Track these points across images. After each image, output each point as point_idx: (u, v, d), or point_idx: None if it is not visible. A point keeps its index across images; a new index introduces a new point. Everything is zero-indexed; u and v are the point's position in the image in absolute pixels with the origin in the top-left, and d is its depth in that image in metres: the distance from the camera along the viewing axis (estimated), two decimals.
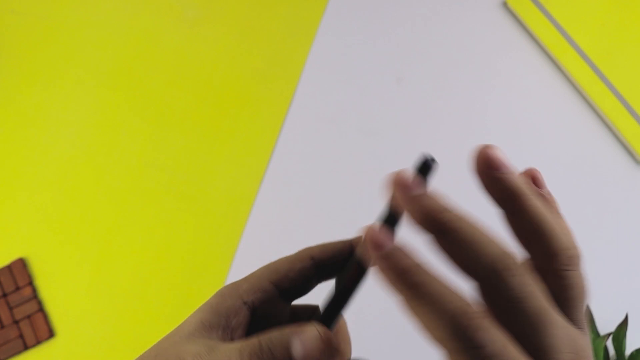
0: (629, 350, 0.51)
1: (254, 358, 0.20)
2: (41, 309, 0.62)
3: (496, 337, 0.16)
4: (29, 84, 0.71)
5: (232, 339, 0.22)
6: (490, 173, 0.18)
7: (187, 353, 0.20)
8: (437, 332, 0.17)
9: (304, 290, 0.25)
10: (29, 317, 0.62)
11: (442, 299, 0.16)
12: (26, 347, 0.61)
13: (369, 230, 0.18)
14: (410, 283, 0.17)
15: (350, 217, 0.61)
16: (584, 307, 0.19)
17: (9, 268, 0.63)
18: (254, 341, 0.21)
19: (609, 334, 0.50)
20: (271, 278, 0.23)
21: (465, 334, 0.16)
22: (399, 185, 0.18)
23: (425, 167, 0.19)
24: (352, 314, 0.28)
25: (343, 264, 0.24)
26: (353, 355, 0.24)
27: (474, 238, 0.17)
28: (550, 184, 0.66)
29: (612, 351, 0.53)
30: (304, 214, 0.63)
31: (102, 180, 0.67)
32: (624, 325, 0.51)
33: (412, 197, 0.18)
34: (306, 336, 0.21)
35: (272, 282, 0.23)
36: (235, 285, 0.24)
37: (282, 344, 0.21)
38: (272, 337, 0.21)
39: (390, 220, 0.20)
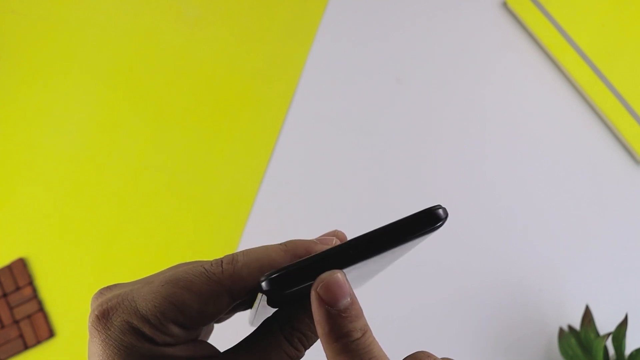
0: (628, 350, 0.51)
1: (300, 336, 0.20)
2: (41, 309, 0.62)
3: None
4: (29, 84, 0.71)
5: None
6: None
7: None
8: None
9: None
10: (29, 317, 0.62)
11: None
12: (26, 347, 0.61)
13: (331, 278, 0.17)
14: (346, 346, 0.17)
15: (350, 217, 0.62)
16: None
17: (9, 268, 0.63)
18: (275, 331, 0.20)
19: (608, 334, 0.50)
20: (176, 319, 0.19)
21: None
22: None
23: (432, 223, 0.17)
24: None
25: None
26: None
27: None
28: (551, 184, 0.65)
29: (611, 351, 0.53)
30: (304, 214, 0.63)
31: (102, 180, 0.67)
32: (623, 325, 0.51)
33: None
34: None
35: (178, 324, 0.19)
36: (133, 328, 0.18)
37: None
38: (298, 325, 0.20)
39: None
